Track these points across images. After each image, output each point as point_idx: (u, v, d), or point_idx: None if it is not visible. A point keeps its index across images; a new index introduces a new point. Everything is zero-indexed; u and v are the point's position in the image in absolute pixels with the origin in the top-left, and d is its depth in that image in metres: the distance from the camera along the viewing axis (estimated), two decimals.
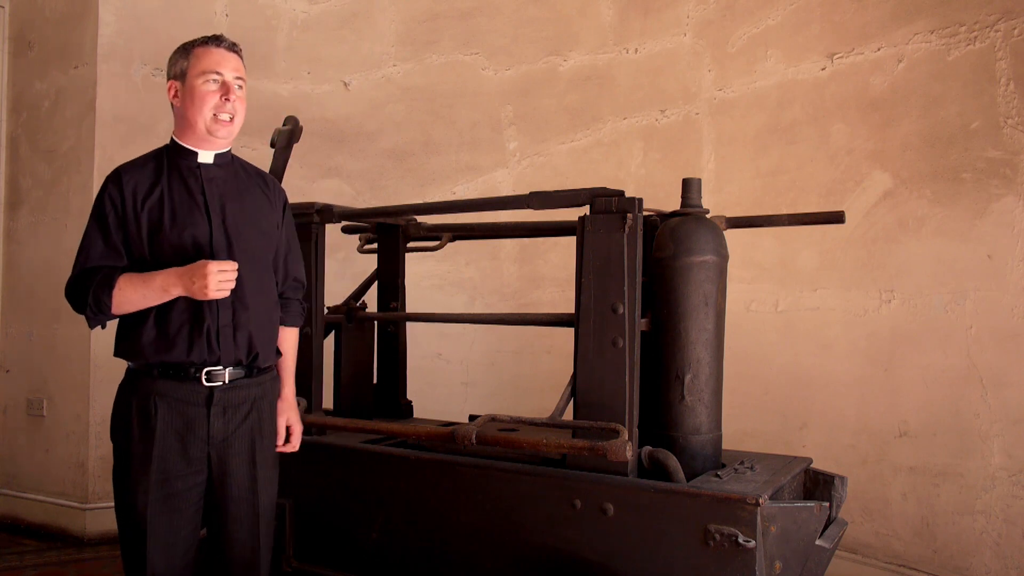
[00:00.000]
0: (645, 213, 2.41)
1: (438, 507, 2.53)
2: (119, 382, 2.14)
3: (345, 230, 3.49)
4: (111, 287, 2.01)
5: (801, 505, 2.19)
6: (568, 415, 2.37)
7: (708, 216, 2.52)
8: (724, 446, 2.52)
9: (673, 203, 2.55)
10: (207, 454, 2.08)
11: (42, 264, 4.34)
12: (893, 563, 3.39)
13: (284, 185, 2.81)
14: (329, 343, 3.08)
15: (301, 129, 2.97)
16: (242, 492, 2.13)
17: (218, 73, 2.08)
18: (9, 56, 4.58)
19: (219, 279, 1.98)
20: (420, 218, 3.26)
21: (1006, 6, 3.18)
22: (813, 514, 2.15)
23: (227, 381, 2.09)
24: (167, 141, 2.18)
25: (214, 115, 2.08)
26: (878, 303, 3.48)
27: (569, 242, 2.51)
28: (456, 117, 4.76)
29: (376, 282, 3.33)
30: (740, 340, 3.26)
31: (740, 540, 2.06)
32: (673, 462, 2.28)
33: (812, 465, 2.64)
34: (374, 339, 3.29)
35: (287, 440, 2.32)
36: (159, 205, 2.07)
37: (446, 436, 2.38)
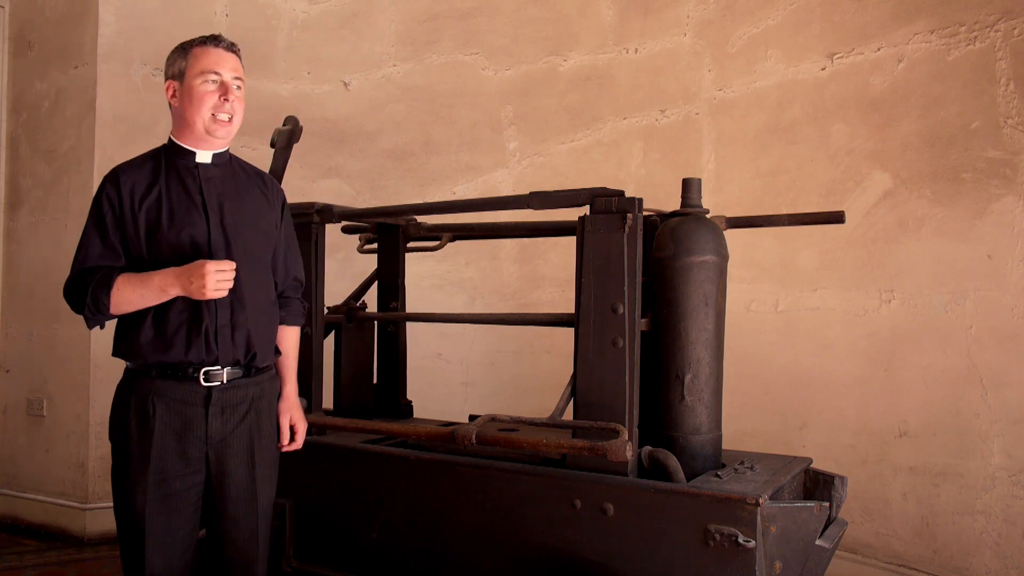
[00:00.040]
0: (645, 213, 2.41)
1: (438, 507, 2.53)
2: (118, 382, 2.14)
3: (345, 230, 3.49)
4: (109, 287, 2.01)
5: (801, 505, 2.18)
6: (568, 415, 2.37)
7: (708, 216, 2.52)
8: (724, 446, 2.52)
9: (673, 203, 2.55)
10: (205, 454, 2.08)
11: (42, 264, 4.34)
12: (893, 563, 3.39)
13: (284, 185, 2.81)
14: (329, 343, 3.08)
15: (301, 129, 2.97)
16: (240, 492, 2.13)
17: (216, 73, 2.08)
18: (9, 56, 4.58)
19: (217, 279, 1.98)
20: (420, 218, 3.26)
21: (1006, 6, 3.18)
22: (813, 514, 2.15)
23: (225, 381, 2.09)
24: (167, 141, 2.18)
25: (212, 115, 2.08)
26: (878, 303, 3.48)
27: (569, 242, 2.51)
28: (456, 117, 4.76)
29: (376, 282, 3.33)
30: (740, 340, 3.26)
31: (740, 540, 2.06)
32: (673, 462, 2.28)
33: (812, 465, 2.64)
34: (374, 339, 3.29)
35: (292, 439, 2.32)
36: (157, 205, 2.07)
37: (446, 436, 2.38)
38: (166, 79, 2.13)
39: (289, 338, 2.35)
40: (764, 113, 3.89)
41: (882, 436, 3.44)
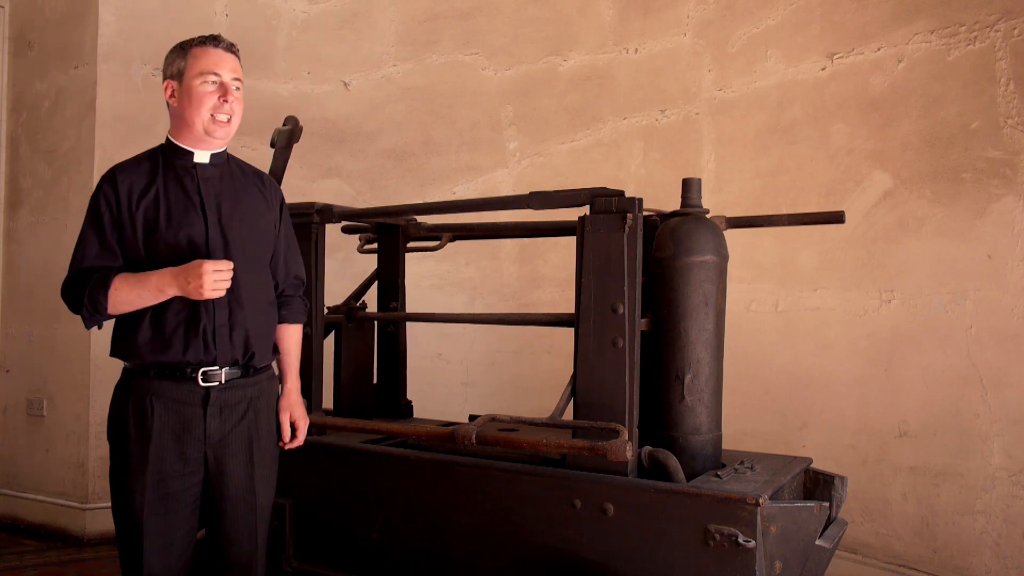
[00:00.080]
0: (645, 213, 2.41)
1: (438, 507, 2.53)
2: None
3: (345, 230, 3.49)
4: (107, 287, 2.01)
5: (801, 505, 2.18)
6: (568, 415, 2.37)
7: (708, 216, 2.52)
8: (724, 446, 2.52)
9: (673, 203, 2.55)
10: (203, 454, 2.08)
11: (42, 264, 4.34)
12: (893, 563, 3.39)
13: (284, 185, 2.82)
14: (329, 343, 3.08)
15: (301, 129, 2.97)
16: (239, 492, 2.13)
17: (216, 74, 2.08)
18: (9, 56, 4.58)
19: (214, 279, 1.98)
20: (420, 218, 3.26)
21: (1006, 6, 3.18)
22: (813, 514, 2.15)
23: (223, 381, 2.09)
24: (164, 141, 2.18)
25: (212, 116, 2.08)
26: (878, 303, 3.48)
27: (569, 242, 2.51)
28: (456, 117, 4.76)
29: (376, 282, 3.33)
30: (740, 340, 3.26)
31: (740, 540, 2.06)
32: (673, 462, 2.28)
33: (812, 465, 2.64)
34: (374, 339, 3.29)
35: (293, 436, 2.32)
36: (154, 205, 2.06)
37: (446, 436, 2.38)
38: (164, 79, 2.13)
39: (291, 336, 2.34)
40: (764, 113, 3.89)
41: (882, 436, 3.44)
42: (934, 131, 3.34)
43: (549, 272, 4.52)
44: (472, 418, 2.75)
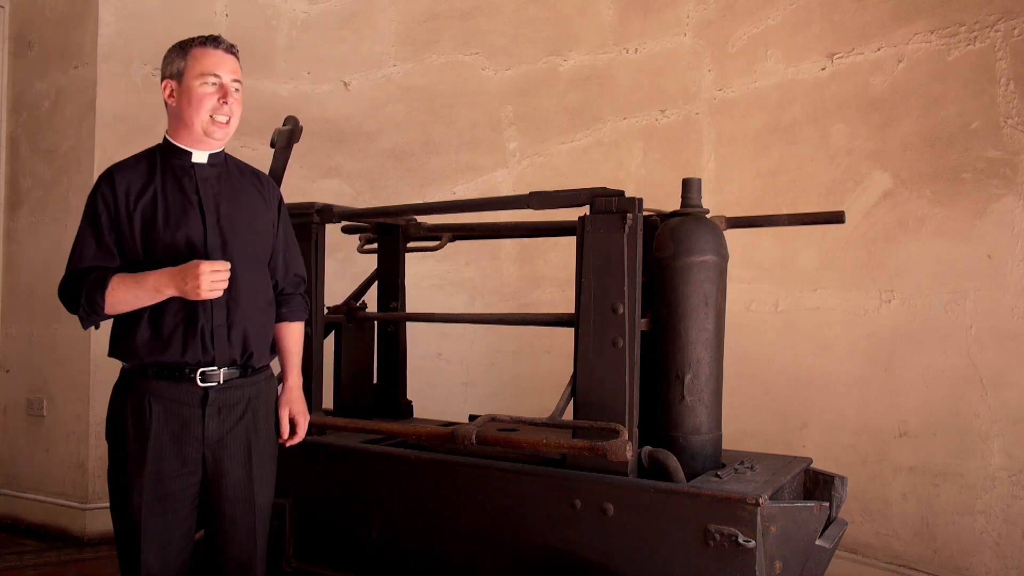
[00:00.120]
0: (645, 213, 2.41)
1: (438, 507, 2.53)
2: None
3: (345, 230, 3.49)
4: (104, 288, 2.01)
5: (801, 505, 2.18)
6: (568, 415, 2.37)
7: (708, 216, 2.52)
8: (724, 446, 2.52)
9: (673, 203, 2.55)
10: (202, 455, 2.08)
11: (42, 264, 4.34)
12: (893, 563, 3.39)
13: (284, 185, 2.82)
14: (329, 343, 3.08)
15: (301, 129, 2.97)
16: (238, 492, 2.13)
17: (216, 75, 2.08)
18: (9, 56, 4.58)
19: (211, 279, 1.98)
20: (420, 218, 3.26)
21: (1006, 6, 3.18)
22: (813, 514, 2.15)
23: (222, 381, 2.09)
24: (162, 141, 2.17)
25: (211, 117, 2.08)
26: (878, 303, 3.48)
27: (569, 242, 2.51)
28: (456, 117, 4.76)
29: (376, 282, 3.33)
30: (740, 340, 3.26)
31: (740, 540, 2.06)
32: (673, 462, 2.28)
33: (812, 465, 2.64)
34: (374, 339, 3.29)
35: (293, 432, 2.31)
36: (152, 205, 2.06)
37: (446, 436, 2.38)
38: (163, 78, 2.12)
39: (292, 333, 2.34)
40: (764, 113, 3.89)
41: (882, 436, 3.44)
42: (934, 131, 3.34)
43: (549, 272, 4.52)
44: (472, 418, 2.75)
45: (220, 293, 2.02)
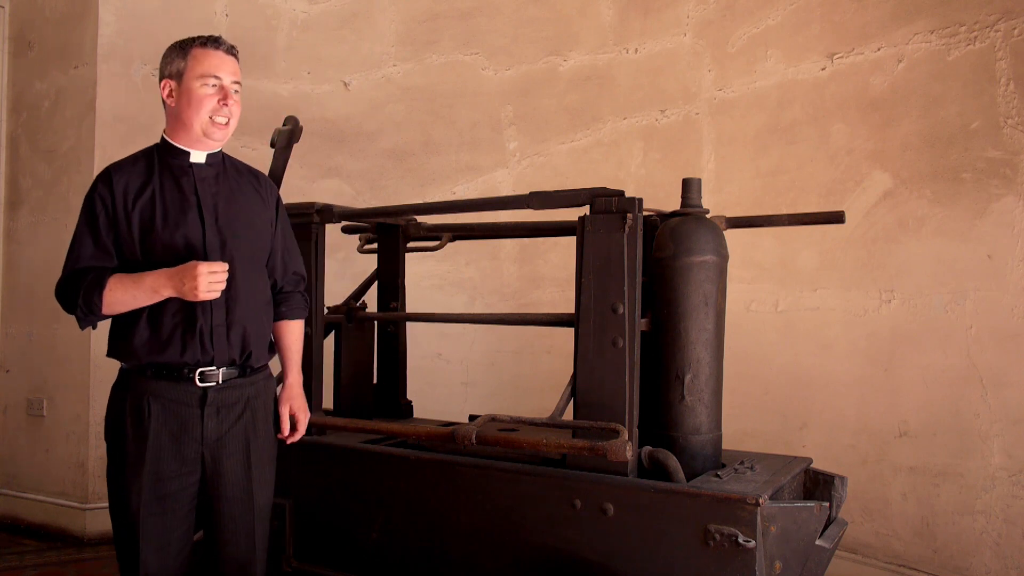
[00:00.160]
0: (645, 213, 2.41)
1: (438, 507, 2.53)
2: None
3: (345, 230, 3.49)
4: (101, 288, 2.00)
5: (801, 505, 2.18)
6: (568, 415, 2.37)
7: (708, 216, 2.52)
8: (724, 446, 2.52)
9: (673, 203, 2.55)
10: (201, 455, 2.08)
11: (42, 264, 4.34)
12: (893, 563, 3.39)
13: (284, 185, 2.82)
14: (329, 343, 3.08)
15: (301, 129, 2.96)
16: (237, 492, 2.13)
17: (217, 77, 2.08)
18: (9, 56, 4.58)
19: (209, 280, 1.98)
20: (420, 218, 3.26)
21: (1006, 6, 3.18)
22: (813, 514, 2.15)
23: (221, 381, 2.09)
24: (159, 140, 2.17)
25: (211, 118, 2.08)
26: (878, 303, 3.48)
27: (569, 242, 2.51)
28: (456, 117, 4.76)
29: (376, 282, 3.33)
30: (740, 340, 3.26)
31: (740, 540, 2.06)
32: (673, 462, 2.28)
33: (812, 465, 2.64)
34: (374, 339, 3.29)
35: (293, 429, 2.31)
36: (151, 205, 2.06)
37: (446, 436, 2.38)
38: (162, 77, 2.11)
39: (292, 331, 2.34)
40: (764, 113, 3.89)
41: (882, 436, 3.44)
42: (934, 131, 3.34)
43: (549, 272, 4.52)
44: (472, 418, 2.75)
45: (218, 294, 2.02)
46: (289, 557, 2.78)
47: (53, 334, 4.31)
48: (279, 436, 2.28)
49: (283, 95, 4.72)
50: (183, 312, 2.04)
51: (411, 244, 3.36)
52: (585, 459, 2.30)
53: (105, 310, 2.02)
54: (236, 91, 2.11)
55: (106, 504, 2.12)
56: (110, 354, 2.12)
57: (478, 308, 4.66)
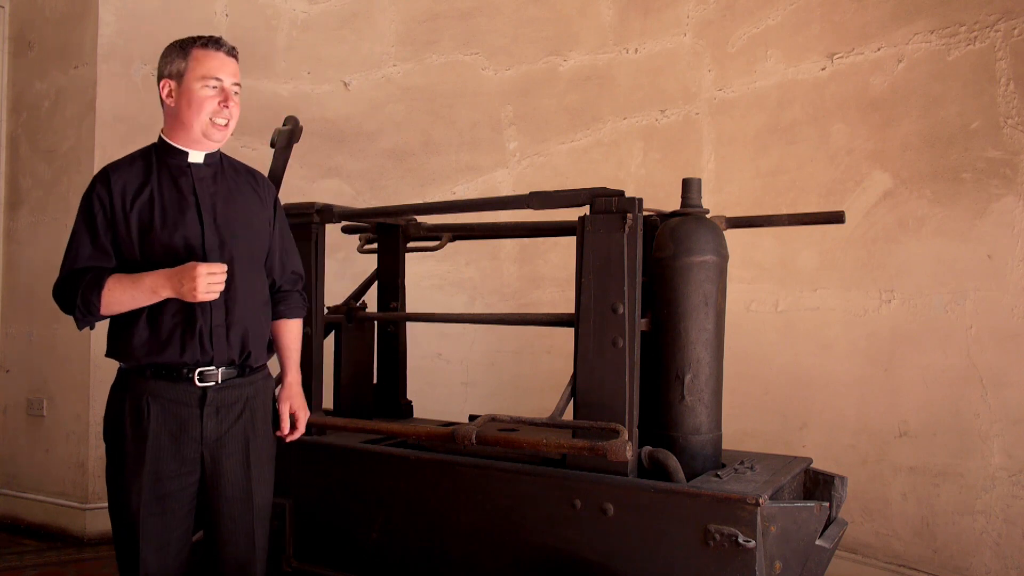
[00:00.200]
0: (645, 213, 2.41)
1: (438, 507, 2.53)
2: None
3: (345, 230, 3.49)
4: (100, 288, 2.00)
5: (801, 505, 2.18)
6: (568, 415, 2.37)
7: (708, 216, 2.52)
8: (724, 446, 2.51)
9: (673, 203, 2.55)
10: (200, 454, 2.08)
11: (42, 264, 4.34)
12: (893, 563, 3.39)
13: (284, 185, 2.82)
14: (329, 343, 3.08)
15: (301, 129, 2.96)
16: (236, 492, 2.13)
17: (218, 79, 2.07)
18: (9, 56, 4.58)
19: (208, 281, 1.97)
20: (420, 218, 3.26)
21: (1006, 6, 3.18)
22: (813, 514, 2.15)
23: (220, 381, 2.09)
24: (157, 140, 2.17)
25: (211, 120, 2.08)
26: (878, 303, 3.48)
27: (569, 242, 2.51)
28: (456, 117, 4.76)
29: (376, 282, 3.33)
30: (740, 340, 3.26)
31: (740, 540, 2.06)
32: (673, 462, 2.28)
33: (812, 465, 2.64)
34: (374, 339, 3.29)
35: (293, 427, 2.31)
36: (149, 205, 2.06)
37: (446, 436, 2.38)
38: (161, 77, 2.11)
39: (291, 331, 2.34)
40: (764, 113, 3.89)
41: (882, 436, 3.44)
42: (934, 131, 3.34)
43: (549, 272, 4.52)
44: (472, 418, 2.75)
45: (217, 295, 2.02)
46: (289, 557, 2.78)
47: (53, 334, 4.31)
48: (278, 434, 2.28)
49: (283, 95, 4.72)
50: (183, 312, 2.04)
51: (411, 244, 3.36)
52: (585, 459, 2.30)
53: (103, 310, 2.02)
54: (236, 93, 2.11)
55: (106, 504, 2.12)
56: (109, 354, 2.12)
57: (478, 308, 4.66)
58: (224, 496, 2.12)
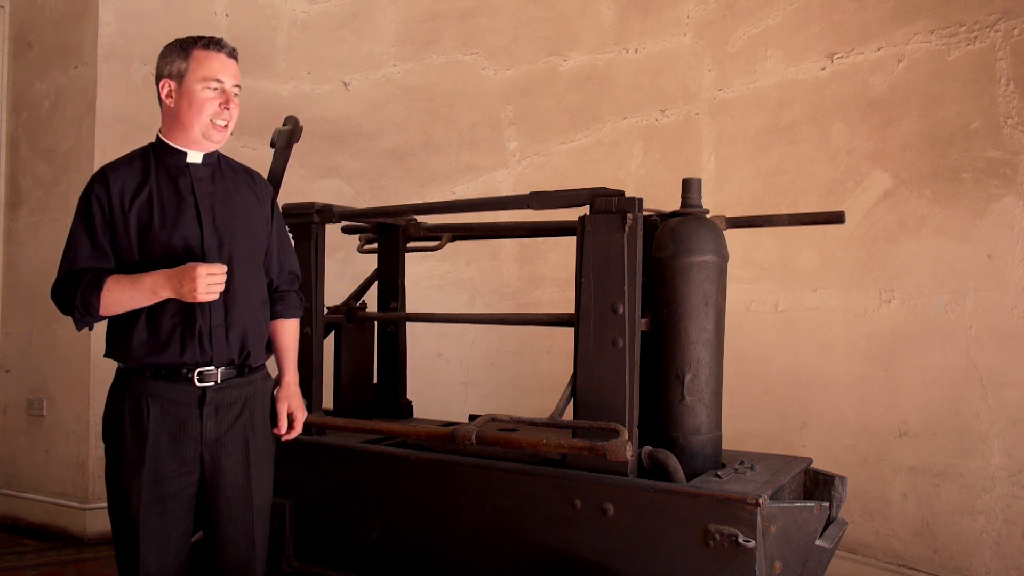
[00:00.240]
0: (645, 213, 2.41)
1: (438, 507, 2.53)
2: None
3: (345, 230, 3.49)
4: (99, 289, 2.00)
5: (801, 505, 2.18)
6: (568, 415, 2.37)
7: (708, 216, 2.52)
8: (724, 446, 2.51)
9: (673, 203, 2.55)
10: (200, 454, 2.08)
11: (42, 264, 4.34)
12: (893, 563, 3.39)
13: (284, 185, 2.82)
14: (329, 343, 3.08)
15: (301, 129, 2.96)
16: (236, 492, 2.13)
17: (219, 81, 2.07)
18: (9, 56, 4.58)
19: (208, 282, 1.97)
20: (420, 218, 3.26)
21: (1006, 6, 3.18)
22: (813, 514, 2.15)
23: (219, 381, 2.09)
24: (155, 140, 2.16)
25: (211, 121, 2.08)
26: (878, 303, 3.48)
27: (569, 242, 2.51)
28: (456, 117, 4.76)
29: (376, 282, 3.33)
30: (740, 340, 3.26)
31: (740, 540, 2.06)
32: (673, 462, 2.28)
33: (812, 465, 2.64)
34: (374, 339, 3.29)
35: (290, 427, 2.31)
36: (148, 205, 2.06)
37: (446, 436, 2.38)
38: (160, 76, 2.10)
39: (288, 330, 2.34)
40: (764, 113, 3.89)
41: (882, 436, 3.44)
42: (934, 131, 3.34)
43: (549, 272, 4.52)
44: (472, 418, 2.75)
45: (217, 296, 2.02)
46: (289, 557, 2.78)
47: (53, 334, 4.31)
48: (275, 432, 2.28)
49: (283, 95, 4.72)
50: (182, 313, 2.04)
51: (411, 244, 3.36)
52: (585, 459, 2.30)
53: (103, 311, 2.02)
54: (236, 94, 2.11)
55: (106, 504, 2.12)
56: (108, 354, 2.11)
57: (478, 308, 4.66)
58: (224, 496, 2.12)
